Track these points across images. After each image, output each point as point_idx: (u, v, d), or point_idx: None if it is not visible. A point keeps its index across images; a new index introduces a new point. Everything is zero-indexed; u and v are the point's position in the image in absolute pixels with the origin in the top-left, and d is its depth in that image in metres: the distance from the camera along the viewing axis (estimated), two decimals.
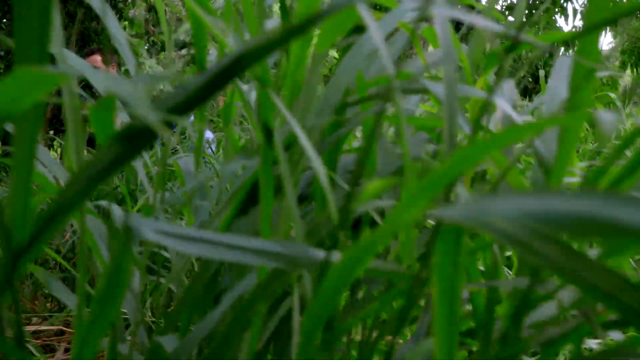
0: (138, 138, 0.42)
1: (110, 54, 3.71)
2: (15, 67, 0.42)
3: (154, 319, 0.88)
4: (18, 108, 0.37)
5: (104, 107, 0.41)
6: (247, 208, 0.64)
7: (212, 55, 0.78)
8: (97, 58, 3.56)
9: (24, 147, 0.42)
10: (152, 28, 9.61)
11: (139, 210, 0.95)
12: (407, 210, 0.38)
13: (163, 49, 9.42)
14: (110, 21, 0.78)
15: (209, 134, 4.25)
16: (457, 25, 0.80)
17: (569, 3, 8.00)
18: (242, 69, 0.38)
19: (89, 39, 6.01)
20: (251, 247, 0.41)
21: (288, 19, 0.76)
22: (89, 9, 5.64)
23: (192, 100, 0.39)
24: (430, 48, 1.15)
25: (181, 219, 1.07)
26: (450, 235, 0.35)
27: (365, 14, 0.39)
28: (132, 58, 0.79)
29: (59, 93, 0.66)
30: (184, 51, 13.20)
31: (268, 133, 0.47)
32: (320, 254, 0.40)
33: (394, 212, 0.39)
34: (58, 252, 1.53)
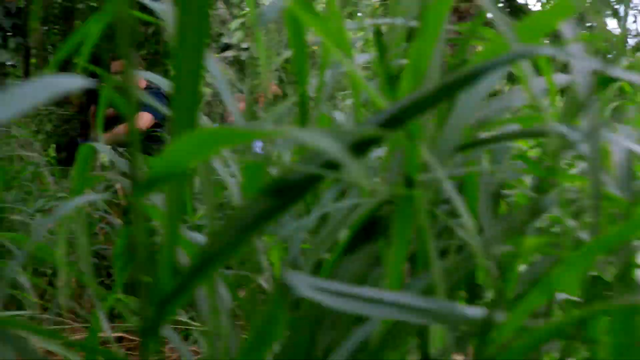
0: (288, 192, 0.42)
1: (138, 58, 3.77)
2: (172, 124, 0.43)
3: None
4: (188, 165, 0.37)
5: (259, 163, 0.41)
6: (355, 246, 0.64)
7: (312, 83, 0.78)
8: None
9: (174, 204, 0.43)
10: None
11: None
12: (565, 274, 0.38)
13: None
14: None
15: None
16: None
17: (622, 5, 7.81)
18: (417, 113, 0.38)
19: (139, 43, 6.10)
20: (402, 304, 0.41)
21: (384, 53, 0.75)
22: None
23: (365, 144, 0.39)
24: None
25: None
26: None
27: (526, 67, 0.39)
28: (232, 101, 0.79)
29: None
30: (227, 53, 13.30)
31: (408, 182, 0.47)
32: (475, 311, 0.40)
33: (554, 273, 0.38)
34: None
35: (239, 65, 14.17)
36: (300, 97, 0.73)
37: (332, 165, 0.42)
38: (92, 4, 6.18)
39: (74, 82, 0.32)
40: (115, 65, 3.61)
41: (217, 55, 13.39)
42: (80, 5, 6.32)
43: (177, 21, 0.43)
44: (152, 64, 5.84)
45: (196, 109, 0.43)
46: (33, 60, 6.71)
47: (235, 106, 0.77)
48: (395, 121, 0.39)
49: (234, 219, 0.43)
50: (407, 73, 0.69)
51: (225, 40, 11.81)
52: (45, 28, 6.07)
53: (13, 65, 8.99)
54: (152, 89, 3.70)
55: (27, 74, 6.30)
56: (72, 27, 6.23)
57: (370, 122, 0.40)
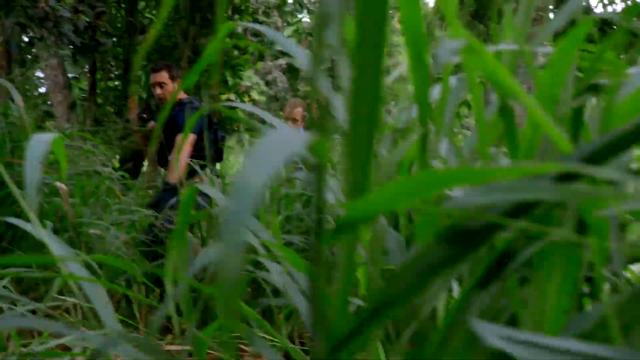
0: (468, 240, 0.42)
1: (177, 70, 3.79)
2: (347, 171, 0.43)
3: None
4: (392, 210, 0.38)
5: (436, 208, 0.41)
6: (488, 281, 0.63)
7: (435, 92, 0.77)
8: (164, 74, 3.65)
9: (351, 248, 0.44)
10: (250, 38, 9.83)
11: None
12: None
13: (261, 58, 9.63)
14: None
15: None
16: None
17: None
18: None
19: (200, 54, 6.17)
20: (590, 354, 0.40)
21: None
22: (200, 26, 5.89)
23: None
24: None
25: None
26: None
27: None
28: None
29: None
30: (281, 61, 13.47)
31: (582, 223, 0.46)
32: None
33: None
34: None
35: (291, 71, 14.32)
36: (423, 129, 0.72)
37: (514, 213, 0.42)
38: (152, 17, 6.34)
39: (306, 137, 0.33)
40: (154, 77, 3.64)
41: (270, 62, 13.58)
42: (143, 19, 6.49)
43: (353, 69, 0.43)
44: (213, 74, 5.94)
45: (372, 150, 0.43)
46: (98, 75, 6.91)
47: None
48: (596, 159, 0.38)
49: (411, 265, 0.43)
50: (536, 100, 0.68)
51: (279, 47, 11.90)
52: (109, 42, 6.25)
53: (75, 78, 9.28)
54: (187, 102, 3.68)
55: (93, 87, 6.49)
56: (135, 41, 6.38)
57: (571, 158, 0.39)
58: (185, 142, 3.47)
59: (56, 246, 0.75)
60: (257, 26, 0.76)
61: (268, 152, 0.27)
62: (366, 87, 0.44)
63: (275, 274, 0.84)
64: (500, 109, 0.71)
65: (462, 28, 0.67)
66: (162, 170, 4.02)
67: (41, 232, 0.74)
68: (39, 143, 0.79)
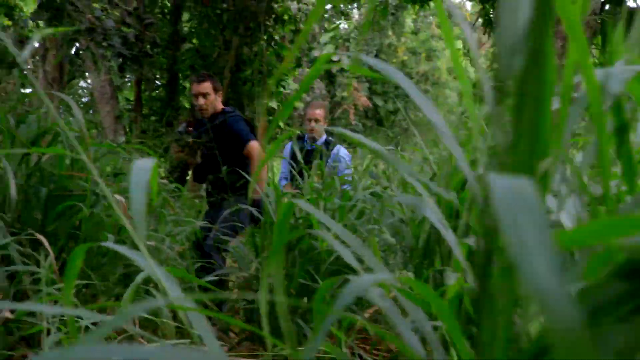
0: None
1: (218, 82, 3.82)
2: None
3: None
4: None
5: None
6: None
7: None
8: (208, 85, 3.68)
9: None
10: (290, 46, 9.85)
11: None
12: None
13: (299, 65, 9.67)
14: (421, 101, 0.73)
15: (342, 152, 4.17)
16: None
17: None
18: None
19: (243, 64, 6.26)
20: None
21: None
22: (243, 36, 5.93)
23: None
24: None
25: None
26: None
27: None
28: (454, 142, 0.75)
29: None
30: None
31: None
32: None
33: None
34: None
35: (329, 77, 14.35)
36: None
37: None
38: (193, 29, 6.42)
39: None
40: (198, 87, 3.68)
41: (308, 69, 13.62)
42: (184, 29, 6.57)
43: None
44: (256, 83, 5.99)
45: None
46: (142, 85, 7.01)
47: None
48: None
49: (582, 301, 0.42)
50: None
51: (315, 53, 11.97)
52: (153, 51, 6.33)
53: (118, 88, 9.44)
54: (229, 112, 3.73)
55: (139, 98, 6.60)
56: (178, 51, 6.48)
57: None
58: (260, 154, 3.50)
59: (168, 284, 0.75)
60: (370, 60, 0.75)
61: (515, 202, 0.26)
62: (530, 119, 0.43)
63: (377, 297, 0.82)
64: (617, 129, 0.69)
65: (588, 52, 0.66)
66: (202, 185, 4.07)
67: (150, 263, 0.74)
68: (142, 171, 0.79)
